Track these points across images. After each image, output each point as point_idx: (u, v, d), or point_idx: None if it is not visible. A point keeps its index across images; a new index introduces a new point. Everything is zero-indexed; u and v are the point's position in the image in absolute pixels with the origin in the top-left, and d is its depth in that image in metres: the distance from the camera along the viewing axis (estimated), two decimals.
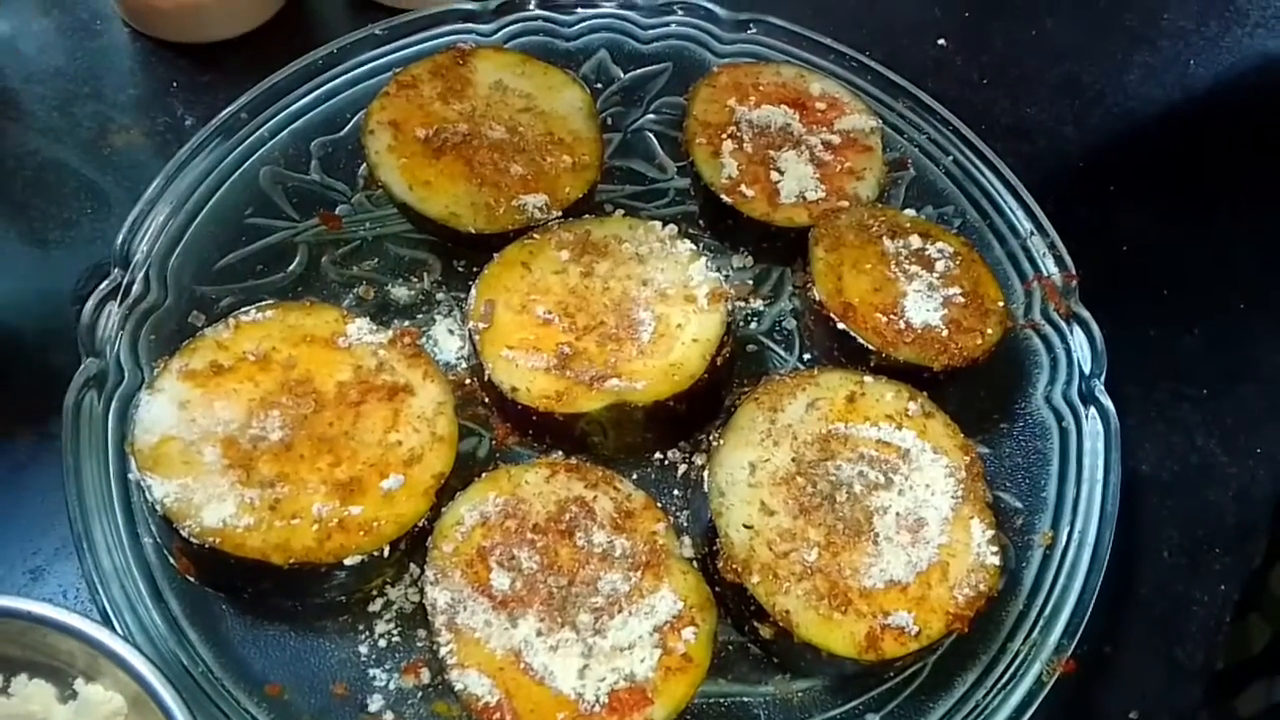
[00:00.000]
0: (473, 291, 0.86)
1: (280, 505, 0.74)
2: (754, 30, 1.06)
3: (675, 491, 0.85)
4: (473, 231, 0.90)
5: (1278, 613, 0.90)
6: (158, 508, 0.72)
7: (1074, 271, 0.94)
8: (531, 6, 1.05)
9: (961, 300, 0.89)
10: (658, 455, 0.87)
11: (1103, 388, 0.88)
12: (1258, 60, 1.21)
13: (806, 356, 0.93)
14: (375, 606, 0.78)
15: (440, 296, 0.93)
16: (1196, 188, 1.11)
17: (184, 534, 0.72)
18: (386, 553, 0.74)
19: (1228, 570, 0.89)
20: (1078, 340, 0.91)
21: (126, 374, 0.82)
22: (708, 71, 1.03)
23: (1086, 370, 0.89)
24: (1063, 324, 0.92)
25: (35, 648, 0.67)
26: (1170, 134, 1.14)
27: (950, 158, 1.01)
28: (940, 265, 0.91)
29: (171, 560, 0.76)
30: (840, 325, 0.86)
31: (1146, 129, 1.14)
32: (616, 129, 1.03)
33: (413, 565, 0.79)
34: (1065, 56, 1.19)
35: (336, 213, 0.95)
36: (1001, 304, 0.90)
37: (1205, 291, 1.03)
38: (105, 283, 0.84)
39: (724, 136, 0.96)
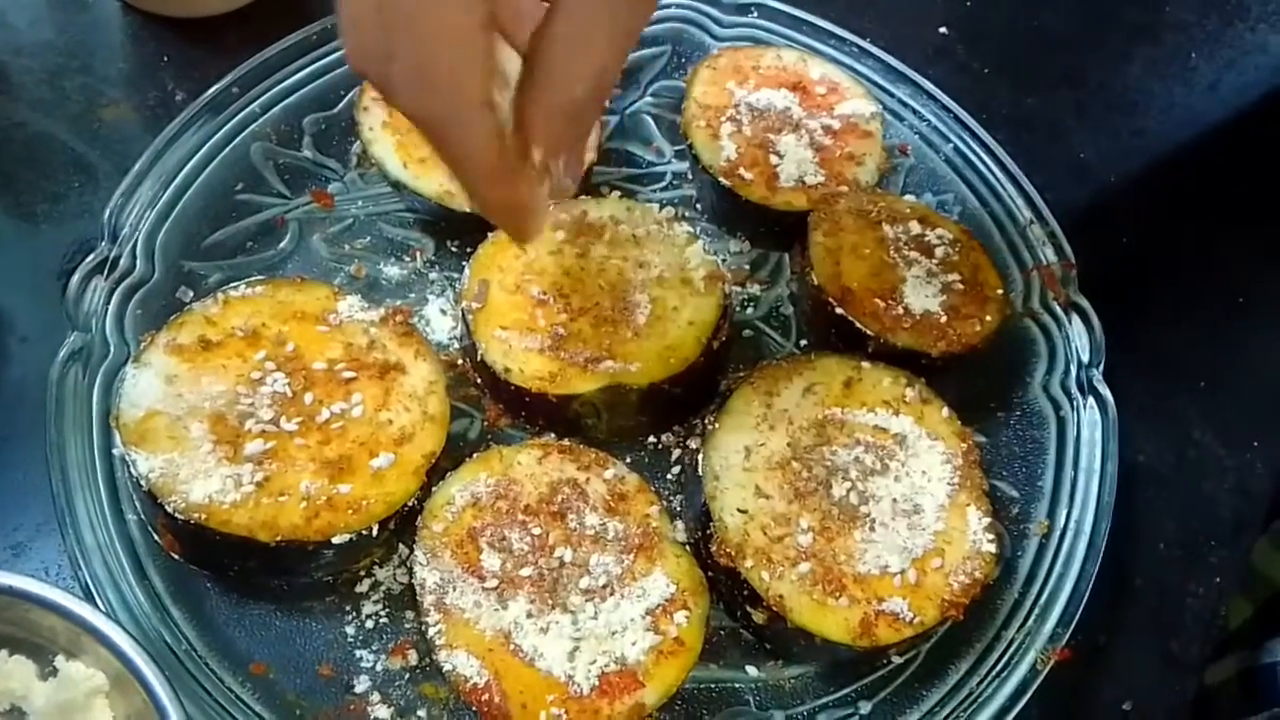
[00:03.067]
0: (466, 271, 0.85)
1: (268, 482, 0.72)
2: (754, 14, 1.05)
3: (669, 475, 0.84)
4: (467, 210, 0.88)
5: (1258, 590, 0.91)
6: (142, 483, 0.71)
7: (1073, 260, 0.93)
8: None
9: (960, 287, 0.88)
10: (652, 438, 0.86)
11: (1101, 378, 0.87)
12: (1259, 55, 1.21)
13: (803, 342, 0.92)
14: (363, 587, 0.77)
15: (433, 276, 0.91)
16: (1197, 179, 1.10)
17: (169, 510, 0.71)
18: (375, 532, 0.73)
19: (1223, 563, 0.88)
20: (1076, 330, 0.90)
21: (112, 348, 0.80)
22: (707, 54, 1.02)
23: (1085, 360, 0.88)
24: (1061, 313, 0.91)
25: (15, 623, 0.66)
26: (1171, 126, 1.14)
27: (950, 145, 1.01)
28: (939, 252, 0.90)
29: (156, 537, 0.75)
30: (838, 310, 0.86)
31: (1147, 120, 1.14)
32: (614, 111, 1.02)
33: (401, 546, 0.78)
34: (1067, 47, 1.18)
35: (329, 190, 0.94)
36: (1000, 291, 0.90)
37: (1204, 283, 1.03)
38: (92, 257, 0.83)
39: (723, 119, 0.95)
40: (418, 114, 0.59)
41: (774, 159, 0.93)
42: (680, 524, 0.79)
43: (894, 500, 0.78)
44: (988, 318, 0.87)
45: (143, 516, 0.75)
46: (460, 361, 0.87)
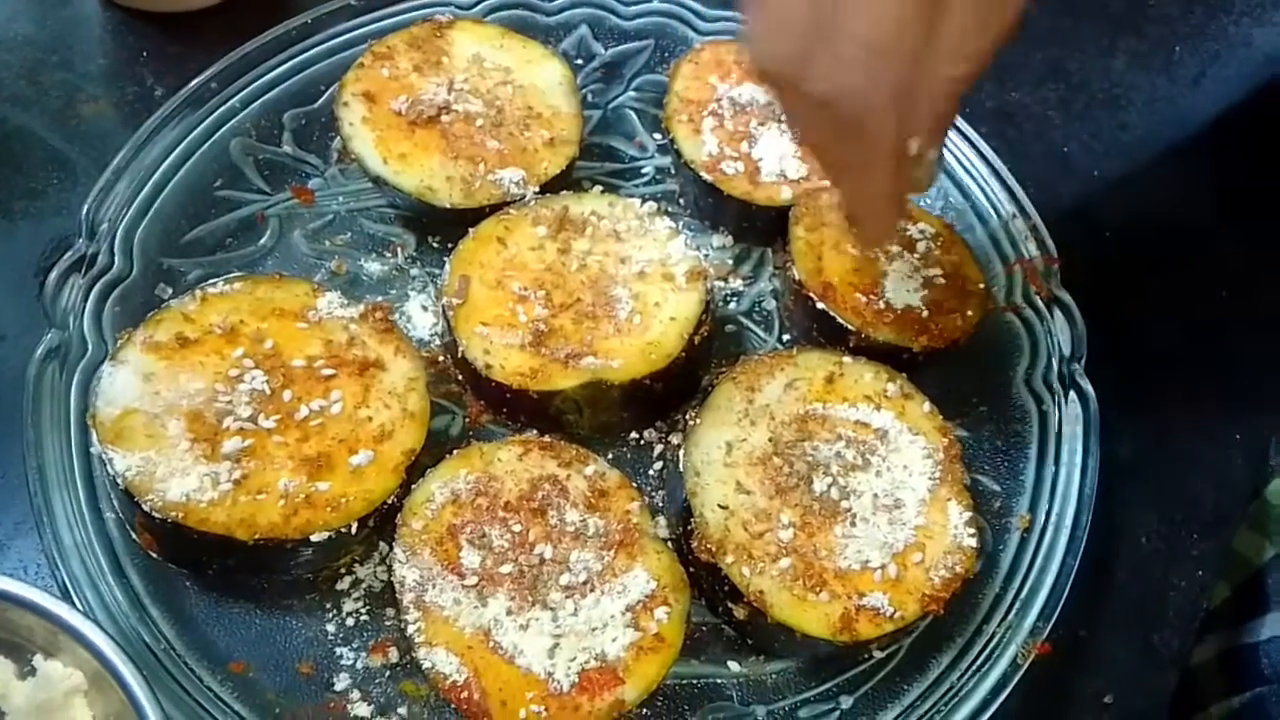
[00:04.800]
0: (447, 267, 0.85)
1: (246, 480, 0.72)
2: (736, 8, 1.04)
3: (650, 471, 0.84)
4: (448, 206, 0.88)
5: (1236, 571, 0.91)
6: (119, 481, 0.71)
7: (1055, 255, 0.93)
8: None
9: (942, 281, 0.88)
10: (633, 434, 0.85)
11: (1082, 372, 0.87)
12: (1242, 48, 1.21)
13: (785, 337, 0.92)
14: (343, 585, 0.77)
15: (414, 272, 0.91)
16: (1180, 174, 1.10)
17: (146, 508, 0.70)
18: (355, 530, 0.73)
19: (1205, 556, 0.88)
20: (1058, 324, 0.90)
21: (90, 346, 0.80)
22: (690, 48, 1.02)
23: (1066, 354, 0.88)
24: (1043, 307, 0.91)
25: None
26: (1154, 120, 1.14)
27: None
28: (921, 246, 0.90)
29: (134, 535, 0.75)
30: (820, 305, 0.85)
31: (1130, 115, 1.14)
32: (596, 106, 1.02)
33: (382, 543, 0.78)
34: (1051, 41, 1.18)
35: (309, 186, 0.94)
36: (982, 286, 0.89)
37: (1186, 278, 1.03)
38: (70, 253, 0.82)
39: (705, 114, 0.95)
40: (839, 100, 0.60)
41: (756, 153, 0.93)
42: (661, 520, 0.79)
43: (875, 495, 0.78)
44: (969, 312, 0.87)
45: (121, 515, 0.75)
46: (441, 358, 0.86)
